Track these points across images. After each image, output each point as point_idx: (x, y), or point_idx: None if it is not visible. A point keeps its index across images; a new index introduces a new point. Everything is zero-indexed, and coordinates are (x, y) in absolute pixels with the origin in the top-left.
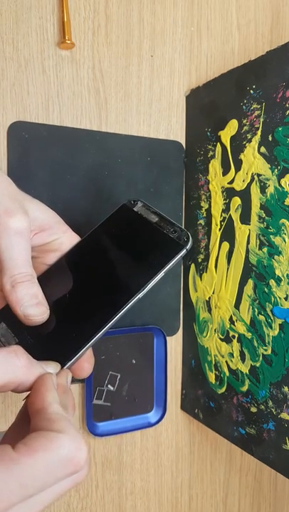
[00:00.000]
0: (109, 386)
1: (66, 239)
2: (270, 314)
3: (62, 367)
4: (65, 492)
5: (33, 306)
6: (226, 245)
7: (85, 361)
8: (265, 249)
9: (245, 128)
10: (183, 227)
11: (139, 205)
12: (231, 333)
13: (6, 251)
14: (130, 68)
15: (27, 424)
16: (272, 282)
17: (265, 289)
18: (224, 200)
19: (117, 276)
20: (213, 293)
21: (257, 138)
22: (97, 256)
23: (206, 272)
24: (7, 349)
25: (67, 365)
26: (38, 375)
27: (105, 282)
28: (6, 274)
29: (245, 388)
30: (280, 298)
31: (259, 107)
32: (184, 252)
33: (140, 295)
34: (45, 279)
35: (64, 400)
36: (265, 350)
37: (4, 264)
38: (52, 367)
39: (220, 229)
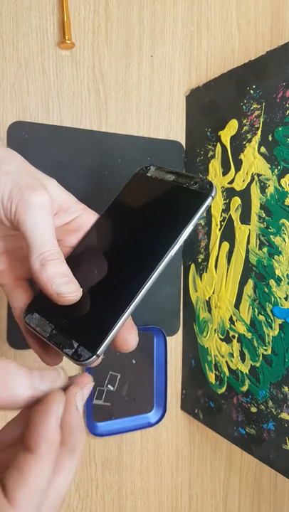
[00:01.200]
0: (109, 386)
1: (85, 217)
2: (270, 314)
3: (102, 343)
4: None
5: (65, 284)
6: (225, 245)
7: (127, 333)
8: (265, 249)
9: (245, 128)
10: (205, 178)
11: (152, 169)
12: (231, 333)
13: (32, 227)
14: (130, 68)
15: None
16: (272, 282)
17: (265, 289)
18: (224, 200)
19: (145, 240)
20: (213, 293)
21: (257, 138)
22: (121, 225)
23: (206, 272)
24: None
25: (106, 340)
26: (24, 394)
27: (134, 248)
28: (34, 252)
29: (245, 388)
30: (280, 298)
31: (259, 107)
32: (209, 199)
33: (173, 252)
34: (73, 260)
35: (70, 438)
36: (265, 350)
37: (31, 242)
38: (48, 378)
39: (220, 229)
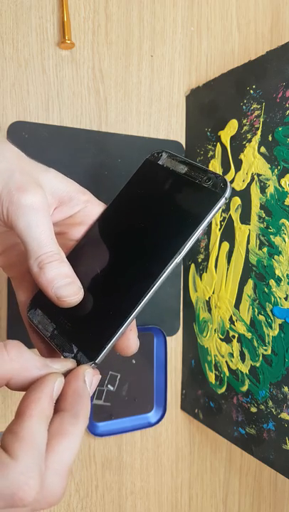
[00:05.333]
0: (109, 386)
1: (90, 209)
2: (270, 314)
3: (101, 351)
4: None
5: (66, 286)
6: (225, 245)
7: (127, 338)
8: (265, 249)
9: (245, 128)
10: (218, 173)
11: (164, 156)
12: (231, 333)
13: (26, 231)
14: (130, 68)
15: None
16: (272, 282)
17: (265, 289)
18: None
19: (150, 241)
20: (213, 293)
21: (257, 138)
22: (126, 222)
23: (206, 272)
24: None
25: (106, 349)
26: (35, 372)
27: (138, 250)
28: (32, 256)
29: (245, 388)
30: (280, 298)
31: (259, 107)
32: (222, 201)
33: (178, 259)
34: (75, 256)
35: (74, 405)
36: (265, 350)
37: (27, 245)
38: (61, 363)
39: (220, 229)
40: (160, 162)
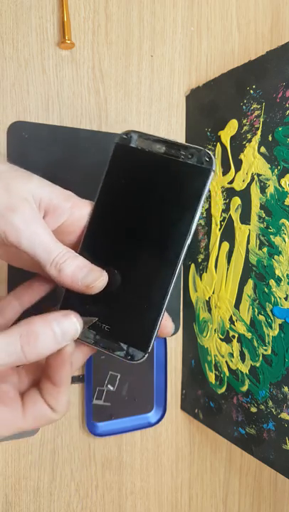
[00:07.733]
0: (109, 386)
1: (77, 216)
2: (270, 314)
3: (150, 340)
4: None
5: (88, 274)
6: (225, 245)
7: (165, 319)
8: (265, 249)
9: (245, 128)
10: (199, 147)
11: (135, 137)
12: (231, 333)
13: (32, 247)
14: (130, 68)
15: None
16: (272, 282)
17: (265, 289)
18: (224, 200)
19: (155, 229)
20: (213, 293)
21: (257, 138)
22: (123, 216)
23: (206, 272)
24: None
25: (154, 336)
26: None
27: (147, 240)
28: (46, 264)
29: (245, 388)
30: (280, 298)
31: (259, 107)
32: (211, 175)
33: (189, 240)
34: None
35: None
36: (265, 350)
37: (37, 258)
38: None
39: (220, 229)
40: (133, 144)
